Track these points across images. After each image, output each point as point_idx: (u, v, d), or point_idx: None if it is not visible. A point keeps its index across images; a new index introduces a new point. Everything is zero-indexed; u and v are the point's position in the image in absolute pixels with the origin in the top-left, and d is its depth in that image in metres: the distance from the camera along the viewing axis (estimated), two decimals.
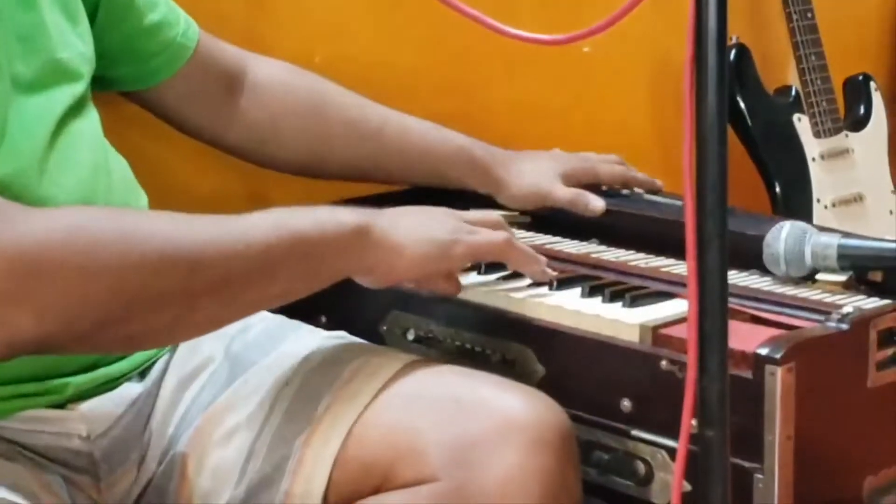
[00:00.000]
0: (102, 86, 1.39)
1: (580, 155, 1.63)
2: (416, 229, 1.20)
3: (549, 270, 1.31)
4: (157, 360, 1.28)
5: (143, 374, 1.27)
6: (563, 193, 1.55)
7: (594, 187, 1.60)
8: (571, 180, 1.58)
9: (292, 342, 1.27)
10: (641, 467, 1.18)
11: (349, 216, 1.16)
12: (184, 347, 1.29)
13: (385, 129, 1.54)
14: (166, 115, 1.49)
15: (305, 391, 1.20)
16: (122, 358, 1.23)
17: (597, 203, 1.53)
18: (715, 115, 0.96)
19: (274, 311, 1.32)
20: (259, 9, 1.70)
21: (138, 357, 1.26)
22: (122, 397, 1.23)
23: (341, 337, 1.30)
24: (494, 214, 1.33)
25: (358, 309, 1.36)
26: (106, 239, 1.03)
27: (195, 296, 1.06)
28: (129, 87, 1.45)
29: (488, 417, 1.13)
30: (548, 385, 1.21)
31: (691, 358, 0.96)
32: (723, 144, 0.96)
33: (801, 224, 1.31)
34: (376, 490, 1.14)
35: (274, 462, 1.17)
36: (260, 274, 1.10)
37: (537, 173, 1.56)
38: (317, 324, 1.35)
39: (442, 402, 1.15)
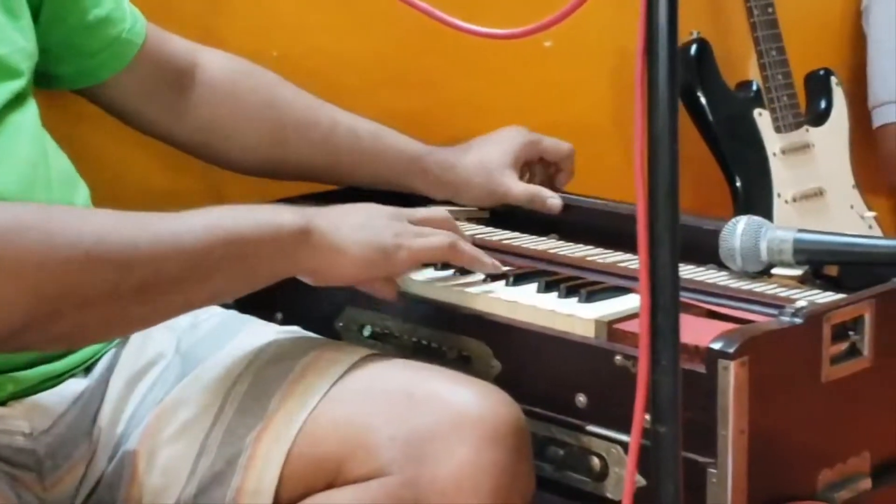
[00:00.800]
0: (50, 83, 1.38)
1: (529, 132, 1.63)
2: (358, 232, 1.19)
3: (499, 265, 1.30)
4: (103, 355, 1.27)
5: (88, 370, 1.26)
6: (521, 192, 1.55)
7: (552, 185, 1.61)
8: (520, 163, 1.59)
9: (244, 337, 1.26)
10: (596, 463, 1.17)
11: (289, 217, 1.15)
12: (133, 343, 1.28)
13: (335, 133, 1.53)
14: (117, 112, 1.48)
15: (258, 386, 1.19)
16: (66, 354, 1.22)
17: (554, 201, 1.54)
18: (666, 109, 0.95)
19: (228, 306, 1.31)
20: (215, 4, 1.68)
21: (83, 353, 1.25)
22: (65, 393, 1.22)
23: (294, 332, 1.29)
24: (442, 211, 1.33)
25: (313, 305, 1.35)
26: (30, 239, 1.02)
27: (125, 295, 1.05)
28: (76, 83, 1.43)
29: (441, 412, 1.12)
30: (504, 381, 1.21)
31: (643, 353, 0.96)
32: (674, 139, 0.95)
33: (757, 219, 1.32)
34: (328, 486, 1.14)
35: (225, 458, 1.16)
36: (193, 274, 1.09)
37: (489, 171, 1.56)
38: (273, 320, 1.35)
39: (394, 397, 1.14)
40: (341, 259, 1.17)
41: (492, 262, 1.29)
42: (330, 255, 1.16)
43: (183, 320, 1.23)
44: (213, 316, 1.29)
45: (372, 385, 1.17)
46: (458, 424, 1.11)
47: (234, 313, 1.31)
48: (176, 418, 1.20)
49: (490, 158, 1.57)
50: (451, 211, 1.39)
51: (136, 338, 1.27)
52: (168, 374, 1.24)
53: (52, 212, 1.08)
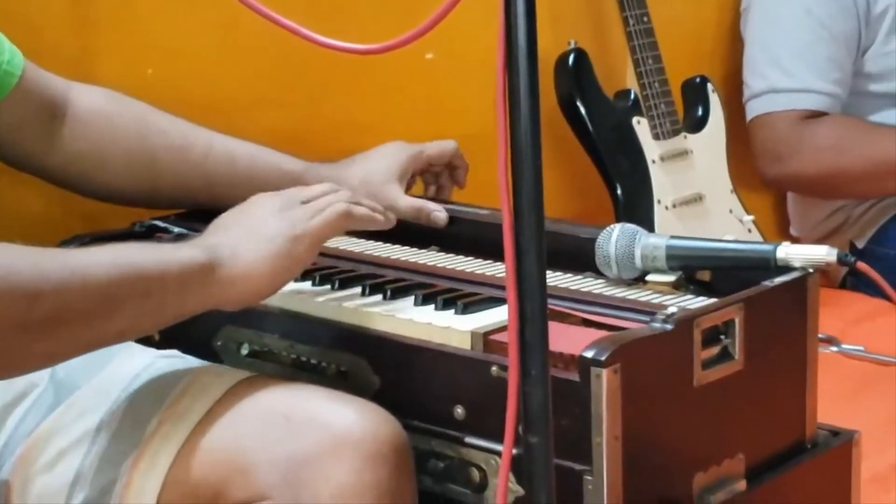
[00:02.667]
0: None
1: (412, 145, 1.64)
2: (258, 245, 1.19)
3: (392, 218, 1.33)
4: None
5: None
6: (406, 205, 1.55)
7: (439, 199, 1.62)
8: (406, 176, 1.60)
9: (120, 362, 1.24)
10: (476, 474, 1.18)
11: (192, 254, 1.15)
12: None
13: (210, 156, 1.53)
14: None
15: (133, 413, 1.18)
16: None
17: (439, 215, 1.54)
18: (528, 122, 0.97)
19: None
20: (88, 24, 1.66)
21: None
22: None
23: (171, 355, 1.28)
24: (326, 187, 1.32)
25: (191, 325, 1.32)
26: None
27: (30, 330, 1.03)
28: None
29: (319, 434, 1.12)
30: (383, 395, 1.21)
31: (512, 364, 0.97)
32: (536, 151, 0.96)
33: (631, 226, 1.33)
34: None
35: (101, 487, 1.15)
36: (100, 308, 1.08)
37: (373, 185, 1.56)
38: (150, 341, 1.33)
39: (272, 420, 1.14)
40: (251, 283, 1.18)
41: (384, 217, 1.31)
42: (239, 284, 1.17)
43: None
44: None
45: (249, 409, 1.16)
46: (338, 446, 1.11)
47: None
48: (50, 447, 1.18)
49: (373, 173, 1.58)
50: None
51: None
52: (42, 403, 1.22)
53: None
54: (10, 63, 1.41)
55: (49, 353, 1.08)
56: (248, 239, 1.19)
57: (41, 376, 1.24)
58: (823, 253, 1.26)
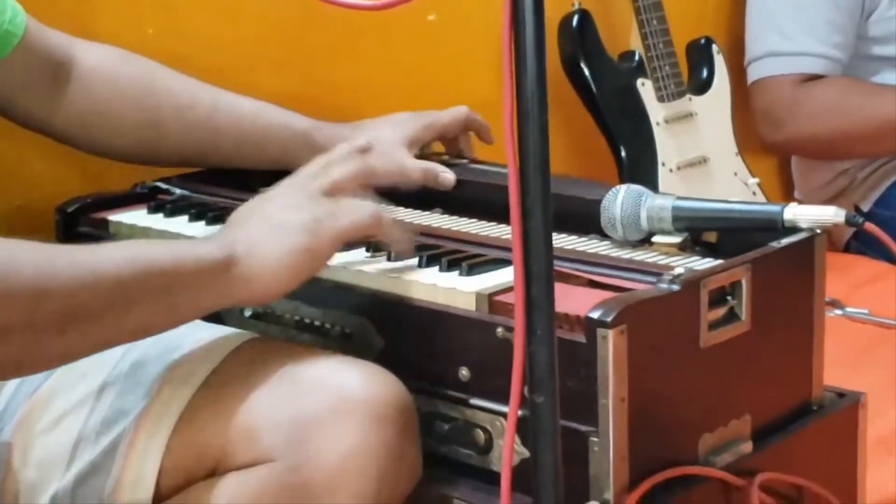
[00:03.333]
0: None
1: (423, 114, 1.62)
2: (278, 243, 1.13)
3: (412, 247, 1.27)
4: None
5: None
6: (414, 168, 1.54)
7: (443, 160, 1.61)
8: (417, 144, 1.57)
9: None
10: (481, 436, 1.17)
11: (209, 250, 1.11)
12: None
13: (216, 113, 1.51)
14: None
15: (136, 374, 1.17)
16: None
17: (447, 176, 1.53)
18: (535, 81, 0.95)
19: None
20: None
21: None
22: None
23: None
24: (343, 154, 1.24)
25: None
26: None
27: (40, 329, 1.01)
28: None
29: (324, 395, 1.11)
30: (387, 357, 1.21)
31: (518, 324, 0.96)
32: (543, 110, 0.95)
33: (637, 187, 1.32)
34: (211, 474, 1.12)
35: (104, 447, 1.14)
36: (112, 305, 1.05)
37: (383, 148, 1.54)
38: None
39: (276, 382, 1.13)
40: (269, 279, 1.13)
41: (409, 248, 1.26)
42: (257, 281, 1.12)
43: None
44: None
45: (253, 370, 1.15)
46: (342, 407, 1.10)
47: None
48: (51, 409, 1.17)
49: (382, 140, 1.56)
50: None
51: None
52: None
53: None
54: (11, 22, 1.40)
55: (60, 352, 1.05)
56: (268, 234, 1.14)
57: None
58: (831, 214, 1.25)
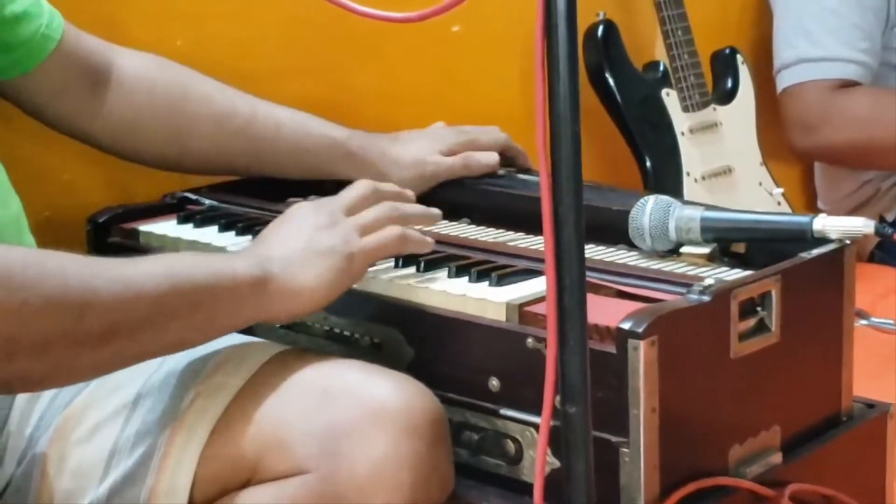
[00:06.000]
0: None
1: (459, 128, 1.63)
2: (311, 261, 1.16)
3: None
4: None
5: None
6: (452, 161, 1.55)
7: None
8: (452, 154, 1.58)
9: None
10: (511, 446, 1.18)
11: (245, 267, 1.13)
12: None
13: (254, 123, 1.52)
14: (29, 108, 1.46)
15: (169, 386, 1.17)
16: None
17: (489, 157, 1.55)
18: (567, 90, 0.96)
19: None
20: None
21: None
22: None
23: None
24: (367, 187, 1.27)
25: None
26: None
27: (80, 343, 1.02)
28: None
29: (356, 406, 1.11)
30: (417, 367, 1.21)
31: (551, 334, 0.96)
32: (575, 120, 0.96)
33: (665, 198, 1.33)
34: (245, 484, 1.13)
35: (138, 458, 1.15)
36: (149, 323, 1.06)
37: (417, 156, 1.55)
38: None
39: (309, 392, 1.13)
40: (303, 297, 1.16)
41: (433, 243, 1.28)
42: (290, 298, 1.15)
43: None
44: None
45: (285, 381, 1.15)
46: (375, 418, 1.10)
47: None
48: (86, 420, 1.18)
49: (420, 147, 1.57)
50: None
51: None
52: None
53: (9, 253, 1.02)
54: (48, 27, 1.40)
55: (96, 365, 1.07)
56: (302, 253, 1.17)
57: None
58: (860, 224, 1.25)
